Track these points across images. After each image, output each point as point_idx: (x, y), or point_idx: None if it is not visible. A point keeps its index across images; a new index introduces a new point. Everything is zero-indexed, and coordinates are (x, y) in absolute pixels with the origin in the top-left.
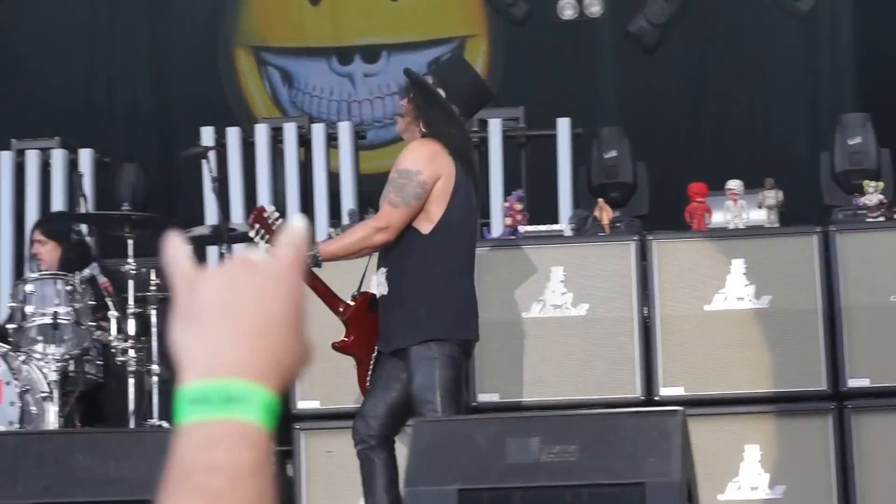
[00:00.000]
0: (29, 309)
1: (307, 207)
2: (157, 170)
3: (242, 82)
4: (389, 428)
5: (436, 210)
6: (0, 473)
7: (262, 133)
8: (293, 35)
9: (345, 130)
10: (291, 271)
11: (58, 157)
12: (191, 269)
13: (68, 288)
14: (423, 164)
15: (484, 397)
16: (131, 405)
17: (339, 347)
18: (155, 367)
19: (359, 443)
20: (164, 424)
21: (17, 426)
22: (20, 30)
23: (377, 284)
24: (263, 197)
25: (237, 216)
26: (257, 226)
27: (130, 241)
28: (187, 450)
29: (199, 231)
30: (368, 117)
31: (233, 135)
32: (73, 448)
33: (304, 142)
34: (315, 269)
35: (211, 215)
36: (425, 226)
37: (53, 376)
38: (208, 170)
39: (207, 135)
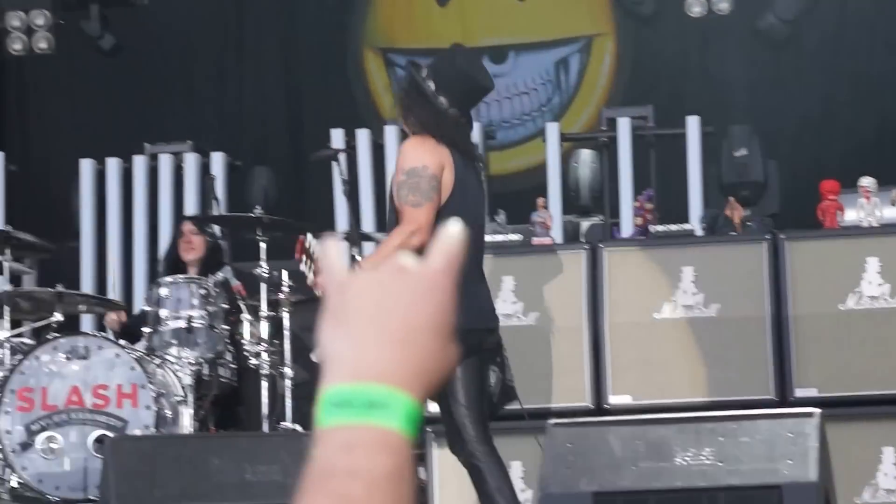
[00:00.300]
0: (163, 313)
1: None
2: (287, 172)
3: (371, 84)
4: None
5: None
6: (137, 477)
7: (391, 134)
8: (420, 36)
9: (473, 131)
10: (443, 278)
11: (190, 160)
12: (344, 273)
13: (202, 292)
14: (426, 158)
15: (616, 399)
16: (264, 408)
17: None
18: (288, 371)
19: (458, 454)
20: (298, 428)
21: (152, 430)
22: (153, 36)
23: None
24: None
25: (367, 218)
26: (303, 257)
27: (263, 245)
28: (326, 453)
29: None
30: (497, 118)
31: (363, 137)
32: (209, 452)
33: None
34: None
35: (341, 218)
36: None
37: (188, 380)
38: (339, 172)
39: (337, 137)
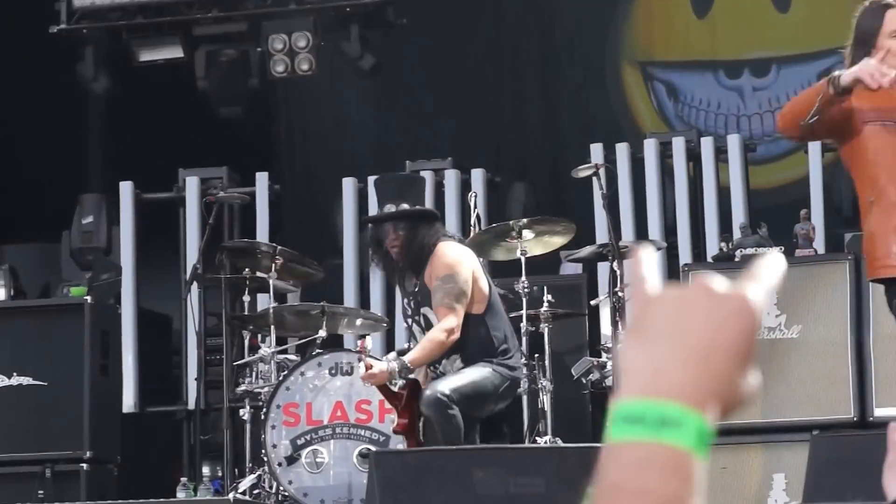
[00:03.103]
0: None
1: (696, 222)
2: (546, 188)
3: (630, 98)
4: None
5: (485, 290)
6: (402, 490)
7: (650, 148)
8: (678, 49)
9: (734, 144)
10: (749, 304)
11: (450, 177)
12: (650, 286)
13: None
14: (457, 264)
15: (881, 412)
16: (526, 422)
17: (397, 431)
18: (548, 385)
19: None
20: (558, 441)
21: None
22: (412, 55)
23: (452, 365)
24: (653, 212)
25: (627, 233)
26: (362, 356)
27: (522, 259)
28: (616, 469)
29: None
30: (758, 131)
31: (622, 151)
32: (473, 464)
33: (693, 156)
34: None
35: (601, 232)
36: (479, 307)
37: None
38: (598, 186)
39: (597, 151)
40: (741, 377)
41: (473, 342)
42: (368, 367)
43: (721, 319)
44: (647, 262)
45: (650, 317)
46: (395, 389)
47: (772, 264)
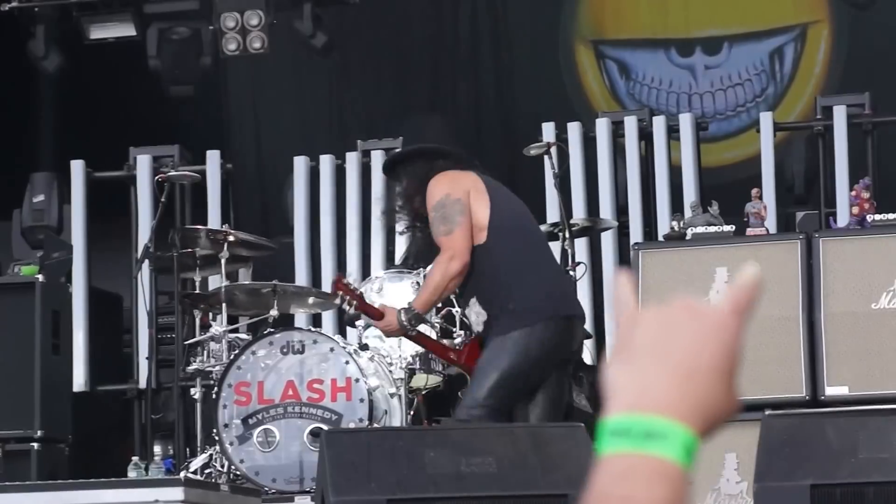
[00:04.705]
0: None
1: (648, 201)
2: (500, 167)
3: (582, 76)
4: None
5: (482, 215)
6: (354, 469)
7: (602, 127)
8: (631, 27)
9: (686, 122)
10: (732, 321)
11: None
12: (633, 307)
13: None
14: (447, 188)
15: (833, 390)
16: None
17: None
18: None
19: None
20: None
21: (366, 423)
22: (365, 34)
23: (475, 314)
24: (605, 191)
25: (579, 211)
26: (341, 293)
27: None
28: (604, 479)
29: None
30: (710, 109)
31: (574, 130)
32: (424, 444)
33: (645, 135)
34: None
35: (552, 211)
36: (479, 235)
37: (401, 374)
38: (550, 165)
39: (549, 130)
40: (725, 392)
41: (482, 280)
42: (355, 298)
43: (703, 337)
44: (627, 283)
45: (635, 336)
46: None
47: (745, 278)
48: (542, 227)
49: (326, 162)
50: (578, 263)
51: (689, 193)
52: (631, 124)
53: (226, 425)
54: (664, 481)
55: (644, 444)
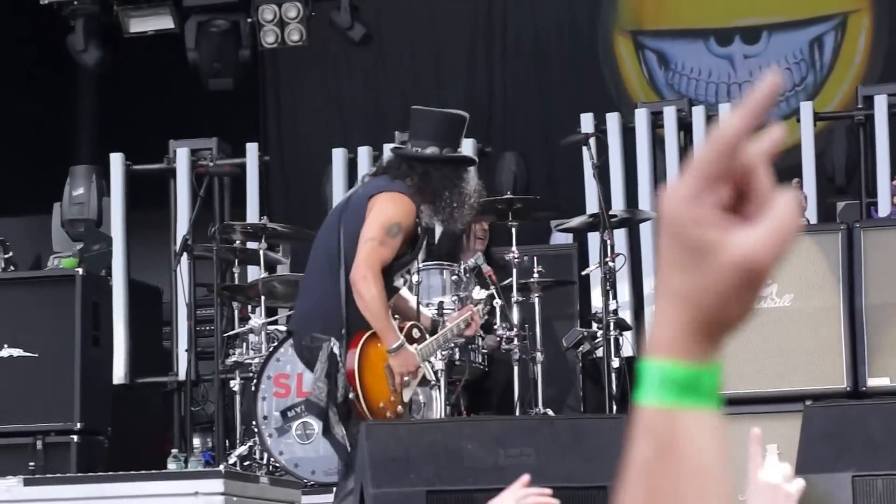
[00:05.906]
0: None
1: None
2: (537, 158)
3: (621, 67)
4: None
5: None
6: (393, 462)
7: (641, 118)
8: (669, 17)
9: (726, 112)
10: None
11: None
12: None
13: (454, 278)
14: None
15: (874, 381)
16: (516, 393)
17: None
18: (539, 356)
19: None
20: (549, 412)
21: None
22: (402, 25)
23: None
24: (644, 182)
25: (618, 202)
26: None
27: (514, 229)
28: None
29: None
30: None
31: (612, 120)
32: (463, 436)
33: (684, 125)
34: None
35: (591, 202)
36: None
37: (440, 365)
38: (589, 156)
39: (587, 121)
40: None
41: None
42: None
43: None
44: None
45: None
46: None
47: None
48: (582, 219)
49: (364, 153)
50: (618, 255)
51: None
52: (670, 114)
53: (265, 417)
54: (647, 434)
55: (636, 397)
